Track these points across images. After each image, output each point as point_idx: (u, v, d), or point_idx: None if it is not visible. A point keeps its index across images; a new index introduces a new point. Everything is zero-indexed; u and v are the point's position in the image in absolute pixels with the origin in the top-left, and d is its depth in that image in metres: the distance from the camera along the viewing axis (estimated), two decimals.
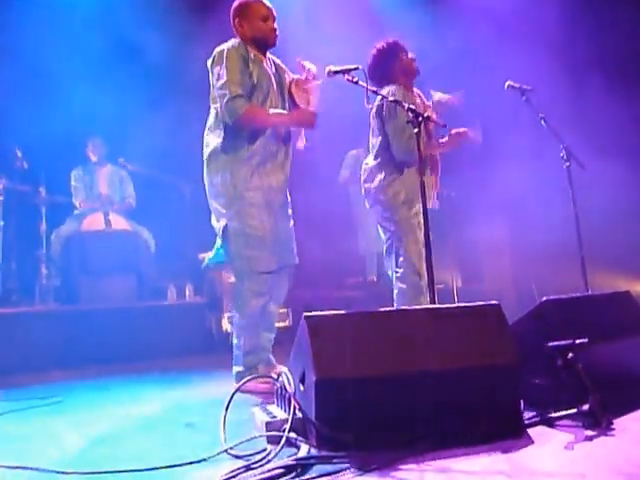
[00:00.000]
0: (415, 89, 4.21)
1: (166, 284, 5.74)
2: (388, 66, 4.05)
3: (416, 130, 3.21)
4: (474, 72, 5.70)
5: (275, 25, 3.65)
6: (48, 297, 5.53)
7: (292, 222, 3.78)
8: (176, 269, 6.21)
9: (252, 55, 3.56)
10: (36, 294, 5.53)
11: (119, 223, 6.02)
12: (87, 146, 6.50)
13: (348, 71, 3.49)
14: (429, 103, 4.15)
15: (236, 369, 3.59)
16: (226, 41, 3.60)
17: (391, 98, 3.58)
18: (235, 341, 3.62)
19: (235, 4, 3.65)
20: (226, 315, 5.32)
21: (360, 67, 3.45)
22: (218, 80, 3.46)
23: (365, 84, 3.41)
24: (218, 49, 3.54)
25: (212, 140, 3.56)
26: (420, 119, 3.23)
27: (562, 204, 4.37)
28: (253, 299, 3.53)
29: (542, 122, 4.14)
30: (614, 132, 6.22)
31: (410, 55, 4.10)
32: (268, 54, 3.73)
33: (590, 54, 6.34)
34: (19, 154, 5.89)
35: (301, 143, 3.78)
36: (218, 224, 3.60)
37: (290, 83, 3.76)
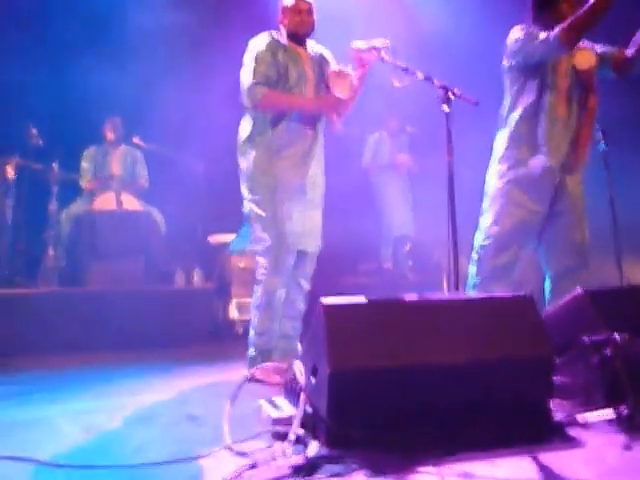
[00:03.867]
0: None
1: (174, 268, 5.61)
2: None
3: (447, 110, 2.98)
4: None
5: (309, 17, 3.69)
6: (52, 279, 5.41)
7: (318, 209, 3.78)
8: (185, 252, 6.05)
9: (285, 46, 3.67)
10: (40, 275, 5.42)
11: (131, 203, 5.89)
12: (105, 125, 6.38)
13: (376, 48, 3.26)
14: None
15: (249, 353, 3.60)
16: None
17: (420, 76, 3.15)
18: (252, 322, 3.64)
19: None
20: (234, 301, 5.18)
21: (389, 43, 3.22)
22: (244, 69, 3.60)
23: (394, 61, 3.16)
24: (250, 41, 3.68)
25: (243, 128, 3.70)
26: (451, 96, 3.00)
27: (595, 189, 4.12)
28: (269, 277, 3.56)
29: None
30: None
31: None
32: (314, 45, 3.81)
33: None
34: (34, 132, 5.75)
35: (338, 126, 3.72)
36: (244, 209, 3.70)
37: (330, 73, 3.70)
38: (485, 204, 3.55)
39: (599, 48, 3.51)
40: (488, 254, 3.46)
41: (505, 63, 3.52)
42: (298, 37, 3.72)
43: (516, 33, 3.43)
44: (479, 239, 3.52)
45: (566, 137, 3.45)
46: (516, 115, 3.49)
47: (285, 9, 3.72)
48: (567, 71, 3.48)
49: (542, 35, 3.28)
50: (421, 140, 6.86)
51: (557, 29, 3.21)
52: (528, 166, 3.45)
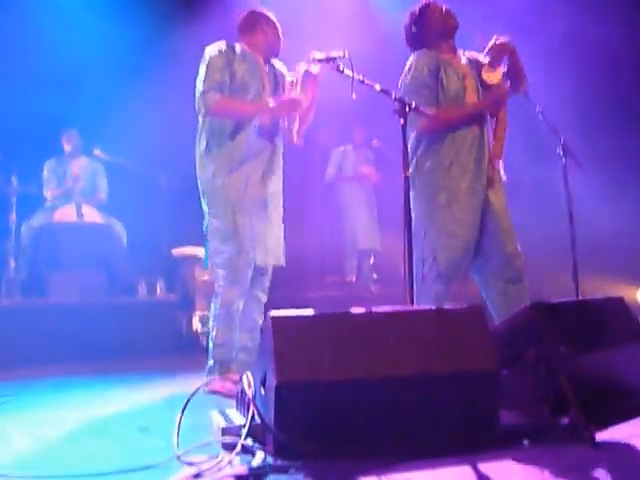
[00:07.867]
0: (467, 52, 3.63)
1: (137, 280, 5.59)
2: (420, 32, 3.55)
3: (402, 122, 3.00)
4: None
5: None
6: (14, 291, 5.35)
7: (279, 225, 3.76)
8: (148, 264, 6.03)
9: (243, 54, 3.61)
10: (2, 287, 5.36)
11: (92, 215, 5.88)
12: (62, 137, 6.34)
13: (333, 59, 3.27)
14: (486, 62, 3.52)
15: (208, 364, 3.58)
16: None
17: (378, 88, 3.13)
18: (210, 334, 3.63)
19: (261, 11, 3.77)
20: (197, 314, 5.16)
21: (346, 54, 3.21)
22: (198, 78, 3.55)
23: (351, 73, 3.18)
24: (206, 49, 3.61)
25: (200, 141, 3.64)
26: (407, 109, 3.02)
27: (555, 203, 4.18)
28: (227, 289, 3.53)
29: (540, 115, 3.91)
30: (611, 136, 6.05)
31: (443, 10, 3.52)
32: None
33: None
34: None
35: (298, 139, 3.70)
36: (204, 222, 3.66)
37: (286, 84, 3.71)
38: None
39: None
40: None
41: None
42: (269, 55, 3.73)
43: (405, 76, 3.50)
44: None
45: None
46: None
47: (271, 23, 3.72)
48: (475, 86, 3.52)
49: (416, 101, 3.21)
50: (388, 155, 6.86)
51: (435, 115, 3.31)
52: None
